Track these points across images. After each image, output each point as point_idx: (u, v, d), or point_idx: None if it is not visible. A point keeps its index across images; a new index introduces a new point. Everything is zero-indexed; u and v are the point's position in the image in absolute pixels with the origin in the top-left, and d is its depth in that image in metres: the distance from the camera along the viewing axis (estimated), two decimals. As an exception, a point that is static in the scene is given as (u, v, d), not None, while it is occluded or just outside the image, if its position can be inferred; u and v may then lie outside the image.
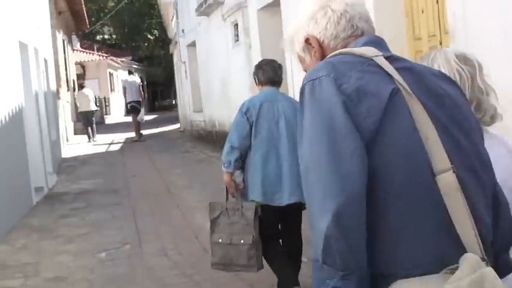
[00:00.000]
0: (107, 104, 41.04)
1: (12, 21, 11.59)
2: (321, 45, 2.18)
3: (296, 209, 5.70)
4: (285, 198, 5.55)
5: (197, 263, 7.44)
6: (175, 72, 31.24)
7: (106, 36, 51.92)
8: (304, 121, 1.93)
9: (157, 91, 53.48)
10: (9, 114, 10.31)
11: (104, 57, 40.52)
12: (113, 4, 44.55)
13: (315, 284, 1.87)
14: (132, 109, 24.46)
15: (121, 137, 26.86)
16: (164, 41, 43.88)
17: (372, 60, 1.96)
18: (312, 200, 1.87)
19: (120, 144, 24.23)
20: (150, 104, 48.64)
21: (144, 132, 26.05)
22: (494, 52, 6.50)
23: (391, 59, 2.00)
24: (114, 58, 41.83)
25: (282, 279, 5.66)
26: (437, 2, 8.11)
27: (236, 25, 15.83)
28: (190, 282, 6.90)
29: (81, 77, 34.44)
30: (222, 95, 18.04)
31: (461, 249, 1.80)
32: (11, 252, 8.53)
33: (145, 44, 52.29)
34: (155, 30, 49.02)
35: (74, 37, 33.05)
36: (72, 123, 27.18)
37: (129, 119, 26.91)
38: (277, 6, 12.58)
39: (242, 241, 5.50)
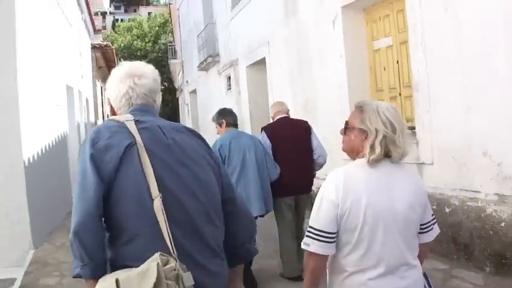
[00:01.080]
0: (130, 131, 40.32)
1: (62, 70, 10.96)
2: (113, 108, 2.33)
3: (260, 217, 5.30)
4: (255, 211, 5.04)
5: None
6: (180, 111, 30.59)
7: (130, 86, 51.09)
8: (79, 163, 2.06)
9: (165, 124, 52.31)
10: (56, 139, 9.37)
11: (129, 99, 39.81)
12: (136, 64, 43.33)
13: (74, 271, 1.97)
14: None
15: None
16: (171, 90, 43.75)
17: (124, 123, 2.09)
18: None
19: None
20: (160, 133, 47.84)
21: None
22: (456, 102, 5.51)
23: (138, 122, 2.11)
24: (136, 100, 41.00)
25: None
26: (397, 62, 7.03)
27: (229, 77, 14.69)
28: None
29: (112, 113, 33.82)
30: (214, 129, 16.61)
31: (166, 251, 1.90)
32: (52, 251, 7.12)
33: (158, 92, 51.91)
34: (165, 82, 49.01)
35: (108, 85, 32.44)
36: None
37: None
38: (261, 64, 11.60)
39: None
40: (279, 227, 5.58)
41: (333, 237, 2.24)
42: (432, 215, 2.44)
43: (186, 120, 25.88)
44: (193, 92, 21.90)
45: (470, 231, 5.34)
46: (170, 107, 48.23)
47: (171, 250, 1.89)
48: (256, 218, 5.10)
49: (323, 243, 2.24)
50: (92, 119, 18.14)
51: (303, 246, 2.31)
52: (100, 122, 23.04)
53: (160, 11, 47.67)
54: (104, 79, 27.54)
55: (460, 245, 5.47)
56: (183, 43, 24.32)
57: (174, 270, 1.82)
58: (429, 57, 5.81)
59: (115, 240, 1.98)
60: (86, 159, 1.98)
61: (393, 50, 7.11)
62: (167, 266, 1.81)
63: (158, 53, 44.87)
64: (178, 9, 24.93)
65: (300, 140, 5.49)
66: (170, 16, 33.98)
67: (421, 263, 2.43)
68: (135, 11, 54.48)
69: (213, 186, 2.15)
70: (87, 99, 16.10)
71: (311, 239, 2.27)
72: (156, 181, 1.95)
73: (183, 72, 25.05)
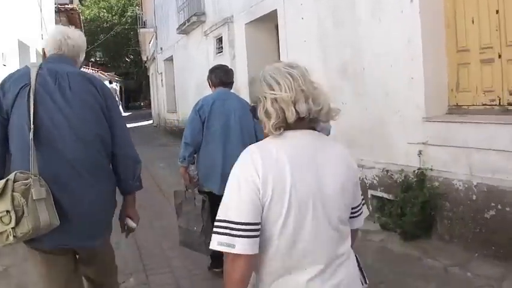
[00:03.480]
0: (95, 102, 37.88)
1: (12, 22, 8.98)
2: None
3: None
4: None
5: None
6: (151, 81, 27.70)
7: (98, 58, 49.74)
8: None
9: (130, 96, 50.03)
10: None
11: (96, 71, 37.66)
12: (102, 36, 42.57)
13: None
14: None
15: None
16: (136, 62, 42.91)
17: (29, 69, 2.44)
18: None
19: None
20: (125, 104, 45.64)
21: (125, 126, 22.56)
22: None
23: (41, 68, 2.45)
24: (102, 72, 39.27)
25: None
26: (497, 12, 4.66)
27: (219, 39, 11.96)
28: None
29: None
30: (197, 99, 13.89)
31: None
32: None
33: (123, 65, 50.09)
34: (131, 55, 48.04)
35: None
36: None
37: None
38: (267, 19, 9.13)
39: (195, 228, 4.18)
40: None
41: (259, 230, 1.62)
42: (361, 195, 1.89)
43: (159, 89, 23.29)
44: (169, 59, 19.35)
45: None
46: (136, 80, 46.11)
47: (30, 170, 2.24)
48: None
49: (252, 239, 1.60)
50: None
51: (220, 248, 1.60)
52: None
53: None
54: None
55: None
56: (157, 8, 21.70)
57: (25, 185, 2.19)
58: None
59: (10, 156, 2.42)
60: None
61: (491, -6, 4.72)
62: (18, 182, 2.19)
63: (125, 25, 43.92)
64: (152, -30, 22.24)
65: None
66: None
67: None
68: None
69: (85, 125, 2.42)
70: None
71: (234, 237, 1.59)
72: (33, 116, 2.32)
73: (156, 39, 22.31)
